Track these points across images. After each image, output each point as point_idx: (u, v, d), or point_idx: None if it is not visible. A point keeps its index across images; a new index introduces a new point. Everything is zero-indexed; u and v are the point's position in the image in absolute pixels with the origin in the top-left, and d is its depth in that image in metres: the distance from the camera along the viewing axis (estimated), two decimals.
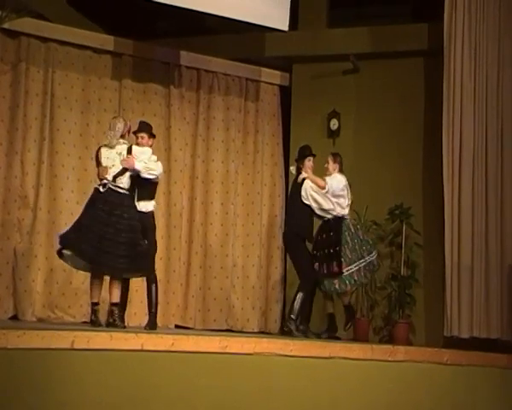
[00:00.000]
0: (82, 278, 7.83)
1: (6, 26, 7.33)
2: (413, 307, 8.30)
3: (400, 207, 8.34)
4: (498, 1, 8.01)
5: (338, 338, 7.64)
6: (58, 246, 6.69)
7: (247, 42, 9.05)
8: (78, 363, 5.11)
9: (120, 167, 6.75)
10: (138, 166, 6.80)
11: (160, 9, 8.00)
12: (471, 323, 7.75)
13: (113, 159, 6.76)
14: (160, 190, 8.40)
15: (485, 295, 7.77)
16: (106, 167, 6.73)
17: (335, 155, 7.82)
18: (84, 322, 7.70)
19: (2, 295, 7.60)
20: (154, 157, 7.02)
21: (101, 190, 6.69)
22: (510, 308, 7.70)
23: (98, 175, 6.80)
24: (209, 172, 8.77)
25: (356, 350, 6.27)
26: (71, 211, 7.94)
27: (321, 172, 7.78)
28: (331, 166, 7.74)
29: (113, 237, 6.54)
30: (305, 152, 7.75)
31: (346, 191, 7.66)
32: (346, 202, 7.65)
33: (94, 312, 6.70)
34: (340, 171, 7.76)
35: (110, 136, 6.83)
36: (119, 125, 6.87)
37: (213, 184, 8.76)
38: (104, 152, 6.80)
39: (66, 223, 7.88)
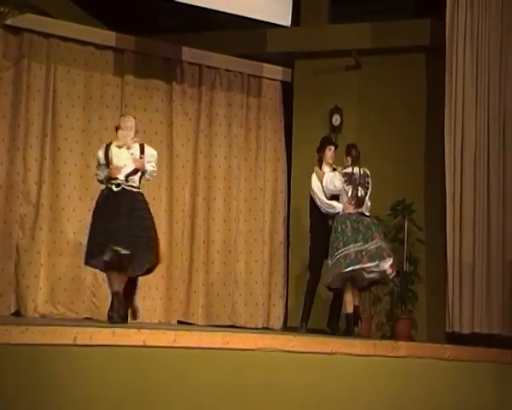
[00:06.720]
0: (84, 273, 7.84)
1: (8, 22, 7.33)
2: (415, 303, 8.30)
3: (402, 203, 8.34)
4: None
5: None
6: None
7: (249, 38, 9.03)
8: (81, 359, 5.11)
9: (133, 167, 6.66)
10: (147, 167, 6.78)
11: (161, 5, 7.99)
12: (472, 318, 7.75)
13: (124, 159, 6.65)
14: (163, 185, 8.44)
15: (487, 290, 7.78)
16: (118, 167, 6.62)
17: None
18: (87, 318, 7.72)
19: (5, 290, 7.61)
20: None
21: (115, 189, 6.58)
22: (511, 304, 7.71)
23: (110, 174, 6.61)
24: (211, 168, 8.76)
25: (358, 346, 6.25)
26: (73, 207, 7.96)
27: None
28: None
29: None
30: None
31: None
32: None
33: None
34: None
35: (124, 135, 6.71)
36: (131, 124, 6.77)
37: (216, 179, 8.75)
38: (115, 151, 6.68)
39: (68, 219, 7.93)
